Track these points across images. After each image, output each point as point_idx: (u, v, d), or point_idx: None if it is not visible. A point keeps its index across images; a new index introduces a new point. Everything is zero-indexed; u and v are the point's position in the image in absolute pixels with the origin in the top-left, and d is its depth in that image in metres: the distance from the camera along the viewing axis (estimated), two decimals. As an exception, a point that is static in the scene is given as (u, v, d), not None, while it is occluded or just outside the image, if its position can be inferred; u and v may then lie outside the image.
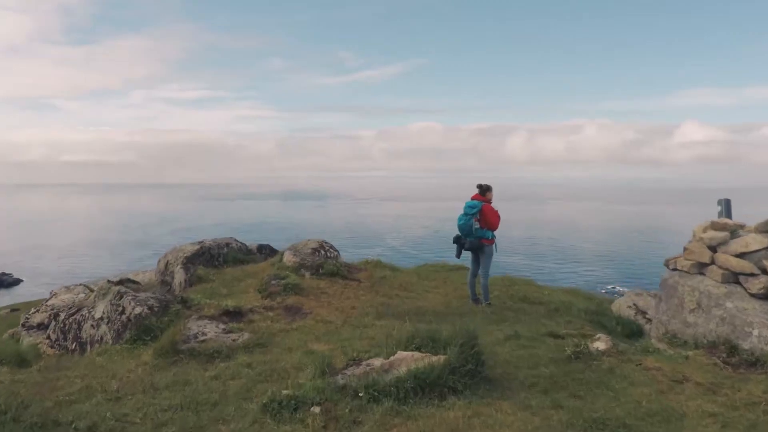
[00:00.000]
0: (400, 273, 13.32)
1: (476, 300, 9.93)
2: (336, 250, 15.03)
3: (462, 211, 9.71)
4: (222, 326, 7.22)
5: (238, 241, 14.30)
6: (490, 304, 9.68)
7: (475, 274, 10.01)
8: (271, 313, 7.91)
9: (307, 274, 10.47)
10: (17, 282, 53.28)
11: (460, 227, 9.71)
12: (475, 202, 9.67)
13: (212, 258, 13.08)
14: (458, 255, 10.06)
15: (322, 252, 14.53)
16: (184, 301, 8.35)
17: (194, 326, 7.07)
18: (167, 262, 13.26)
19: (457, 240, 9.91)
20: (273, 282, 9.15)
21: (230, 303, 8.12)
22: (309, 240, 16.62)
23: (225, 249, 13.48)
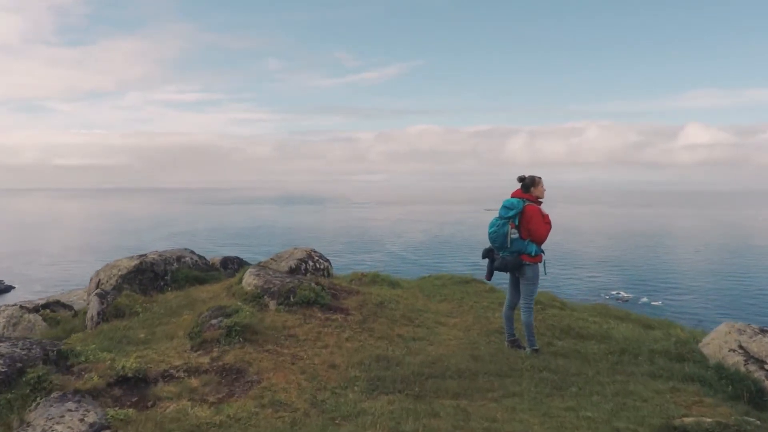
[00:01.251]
0: (400, 291, 10.36)
1: (514, 341, 6.84)
2: (326, 260, 12.35)
3: (496, 214, 6.66)
4: (94, 416, 4.08)
5: (194, 253, 11.19)
6: (536, 350, 6.58)
7: (512, 306, 6.91)
8: (194, 382, 4.79)
9: (272, 304, 7.35)
10: (9, 289, 51.35)
11: (490, 236, 6.62)
12: (514, 200, 6.58)
13: (156, 277, 9.97)
14: (489, 276, 6.98)
15: (310, 263, 11.77)
16: (62, 358, 5.22)
17: (42, 417, 3.95)
18: (99, 281, 10.15)
19: (487, 254, 6.84)
20: (213, 321, 6.03)
21: (132, 362, 4.99)
22: (295, 248, 13.92)
23: (174, 265, 10.36)
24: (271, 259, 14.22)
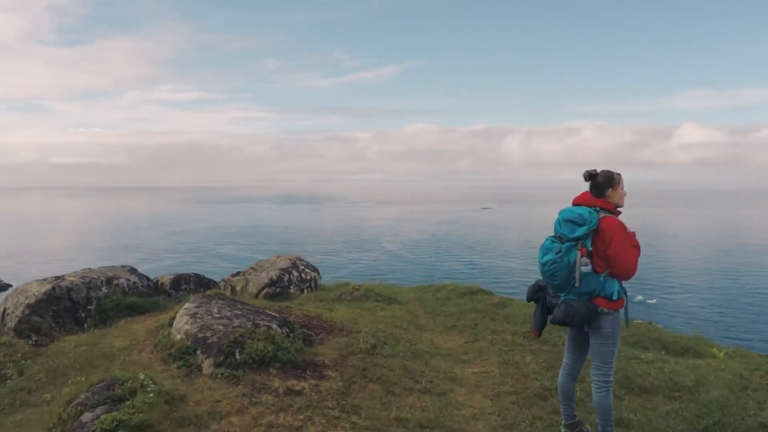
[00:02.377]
0: (398, 311, 8.37)
1: (574, 426, 4.36)
2: (314, 270, 11.29)
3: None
4: None
5: (135, 272, 8.75)
6: None
7: (574, 374, 4.42)
8: None
9: (207, 365, 4.87)
10: (5, 287, 50.10)
11: (545, 269, 4.07)
12: (583, 210, 4.05)
13: (75, 307, 7.51)
14: (538, 330, 4.46)
15: (295, 273, 10.74)
16: None
17: None
18: (4, 311, 7.68)
19: (535, 295, 4.36)
20: (86, 416, 3.55)
21: None
22: (279, 256, 12.24)
23: (102, 289, 7.90)
24: (251, 268, 12.47)
